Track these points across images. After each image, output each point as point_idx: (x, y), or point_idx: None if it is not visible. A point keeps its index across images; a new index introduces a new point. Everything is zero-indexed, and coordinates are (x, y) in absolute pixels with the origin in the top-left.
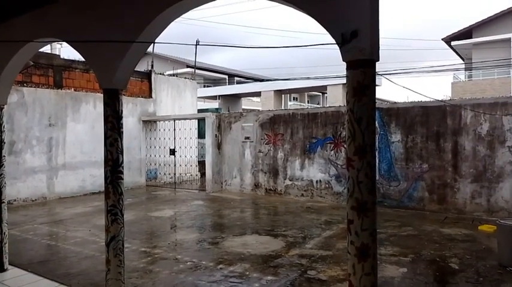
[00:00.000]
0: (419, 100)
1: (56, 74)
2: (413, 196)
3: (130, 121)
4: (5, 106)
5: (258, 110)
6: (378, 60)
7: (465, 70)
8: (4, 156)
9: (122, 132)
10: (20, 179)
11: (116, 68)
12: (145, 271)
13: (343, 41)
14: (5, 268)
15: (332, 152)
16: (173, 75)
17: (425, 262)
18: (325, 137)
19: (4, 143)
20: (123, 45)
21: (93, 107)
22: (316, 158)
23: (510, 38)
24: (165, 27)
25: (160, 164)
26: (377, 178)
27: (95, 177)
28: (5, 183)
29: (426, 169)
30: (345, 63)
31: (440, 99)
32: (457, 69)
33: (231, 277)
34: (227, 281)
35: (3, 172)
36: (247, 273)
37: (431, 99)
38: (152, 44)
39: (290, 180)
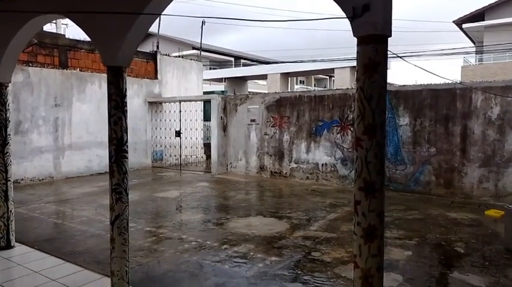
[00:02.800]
0: (429, 83)
1: (61, 54)
2: (419, 179)
3: (135, 102)
4: (11, 85)
5: (265, 92)
6: (390, 35)
7: (476, 54)
8: (9, 135)
9: (126, 111)
10: (27, 159)
11: (120, 44)
12: (150, 250)
13: (354, 15)
14: (12, 245)
15: (338, 135)
16: (179, 57)
17: (431, 245)
18: (331, 120)
19: (9, 121)
20: (127, 19)
21: (98, 88)
22: (322, 141)
23: None
24: None
25: (166, 145)
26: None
27: (101, 157)
28: (10, 161)
29: (434, 152)
30: (355, 41)
31: (451, 81)
32: (467, 53)
33: (235, 257)
34: (231, 261)
35: (8, 150)
36: (252, 253)
37: (443, 81)
38: (158, 25)
39: (295, 163)
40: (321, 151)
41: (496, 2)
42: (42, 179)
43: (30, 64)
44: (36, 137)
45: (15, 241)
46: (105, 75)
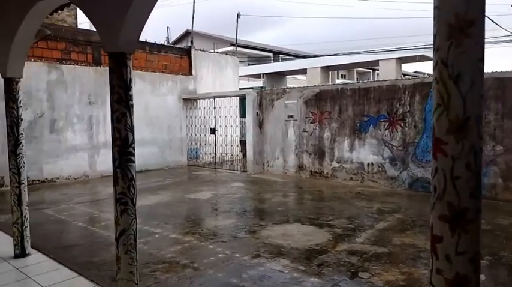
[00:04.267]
0: (493, 71)
1: (95, 51)
2: (483, 182)
3: (170, 99)
4: (45, 84)
5: (303, 86)
6: None
7: None
8: (22, 134)
9: (132, 106)
10: (62, 157)
11: (121, 22)
12: (172, 262)
13: None
14: (27, 252)
15: (386, 131)
16: (214, 52)
17: (508, 266)
18: (378, 114)
19: (21, 119)
20: None
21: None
22: (368, 138)
23: None
24: None
25: (201, 143)
26: None
27: (136, 155)
28: (24, 163)
29: (500, 151)
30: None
31: None
32: None
33: (266, 277)
34: (262, 281)
35: (21, 151)
36: (286, 272)
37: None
38: (192, 18)
39: (338, 162)
40: (367, 149)
41: None
42: (78, 178)
43: (64, 62)
44: (71, 135)
45: (33, 248)
46: (138, 72)
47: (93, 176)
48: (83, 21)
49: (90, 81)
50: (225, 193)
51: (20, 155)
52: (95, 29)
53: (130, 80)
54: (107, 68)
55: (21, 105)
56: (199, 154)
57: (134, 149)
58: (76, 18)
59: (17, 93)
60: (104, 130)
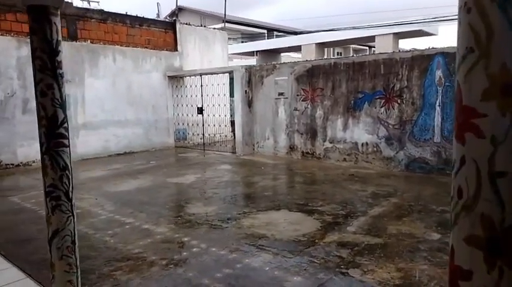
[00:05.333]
0: None
1: (70, 24)
2: None
3: (155, 77)
4: (15, 60)
5: (294, 61)
6: None
7: None
8: None
9: (61, 75)
10: (37, 140)
11: None
12: (137, 259)
13: None
14: None
15: (382, 109)
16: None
17: None
18: (374, 91)
19: None
20: None
21: (112, 61)
22: (363, 116)
23: None
24: None
25: (189, 123)
26: (439, 140)
27: (119, 137)
28: None
29: None
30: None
31: None
32: None
33: (243, 277)
34: (237, 281)
35: None
36: (267, 269)
37: None
38: None
39: (330, 142)
40: (361, 128)
41: None
42: None
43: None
44: None
45: None
46: (119, 48)
47: (73, 159)
48: None
49: (66, 57)
50: (211, 176)
51: None
52: (69, 1)
53: (58, 42)
54: (84, 43)
55: None
56: (187, 135)
57: (67, 131)
58: None
59: None
60: (83, 110)
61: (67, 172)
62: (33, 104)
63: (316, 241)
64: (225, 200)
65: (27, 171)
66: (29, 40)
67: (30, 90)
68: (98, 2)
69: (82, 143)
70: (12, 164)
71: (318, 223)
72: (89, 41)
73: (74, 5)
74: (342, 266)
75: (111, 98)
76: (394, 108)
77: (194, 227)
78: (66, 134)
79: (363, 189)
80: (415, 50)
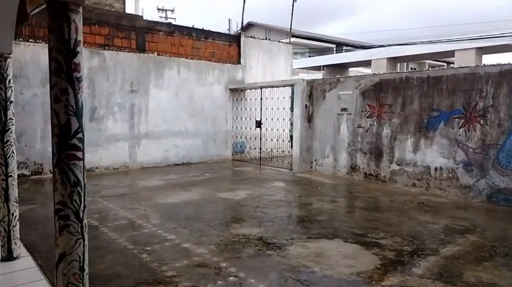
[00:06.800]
0: None
1: (139, 36)
2: None
3: (216, 89)
4: (86, 70)
5: (360, 75)
6: None
7: None
8: (11, 119)
9: (78, 79)
10: (102, 147)
11: None
12: (168, 284)
13: None
14: (15, 256)
15: (461, 130)
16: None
17: None
18: (451, 109)
19: (11, 102)
20: None
21: (177, 73)
22: (437, 137)
23: None
24: None
25: (247, 137)
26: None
27: (178, 147)
28: (12, 153)
29: None
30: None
31: None
32: None
33: None
34: None
35: (10, 138)
36: None
37: None
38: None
39: (398, 164)
40: (435, 151)
41: None
42: (117, 168)
43: (107, 47)
44: (112, 124)
45: (28, 250)
46: (184, 60)
47: (134, 167)
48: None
49: (133, 68)
50: (262, 193)
51: (8, 143)
52: (140, 14)
53: (77, 42)
54: (151, 55)
55: (11, 85)
56: (245, 148)
57: (81, 142)
58: (124, 3)
59: (5, 72)
60: (146, 120)
61: (79, 188)
62: (100, 112)
63: (374, 282)
64: (274, 222)
65: (88, 177)
66: (100, 51)
67: (99, 99)
68: (174, 19)
69: (143, 151)
70: None
71: (377, 260)
72: (155, 53)
73: (144, 18)
74: None
75: (173, 109)
76: (475, 130)
77: (235, 251)
78: (81, 145)
79: (434, 221)
80: (505, 64)
